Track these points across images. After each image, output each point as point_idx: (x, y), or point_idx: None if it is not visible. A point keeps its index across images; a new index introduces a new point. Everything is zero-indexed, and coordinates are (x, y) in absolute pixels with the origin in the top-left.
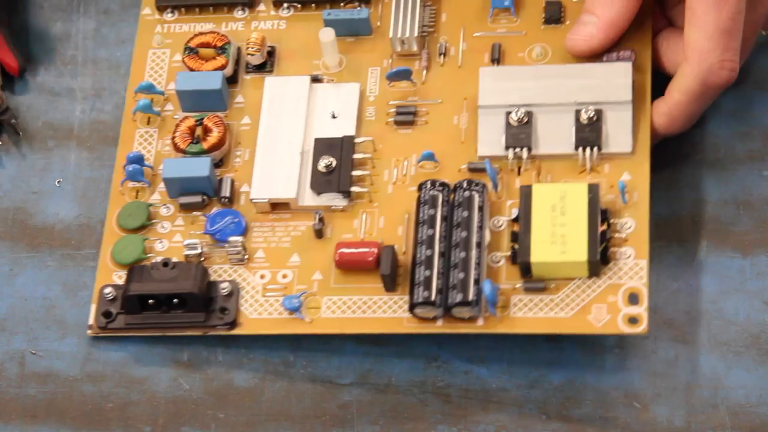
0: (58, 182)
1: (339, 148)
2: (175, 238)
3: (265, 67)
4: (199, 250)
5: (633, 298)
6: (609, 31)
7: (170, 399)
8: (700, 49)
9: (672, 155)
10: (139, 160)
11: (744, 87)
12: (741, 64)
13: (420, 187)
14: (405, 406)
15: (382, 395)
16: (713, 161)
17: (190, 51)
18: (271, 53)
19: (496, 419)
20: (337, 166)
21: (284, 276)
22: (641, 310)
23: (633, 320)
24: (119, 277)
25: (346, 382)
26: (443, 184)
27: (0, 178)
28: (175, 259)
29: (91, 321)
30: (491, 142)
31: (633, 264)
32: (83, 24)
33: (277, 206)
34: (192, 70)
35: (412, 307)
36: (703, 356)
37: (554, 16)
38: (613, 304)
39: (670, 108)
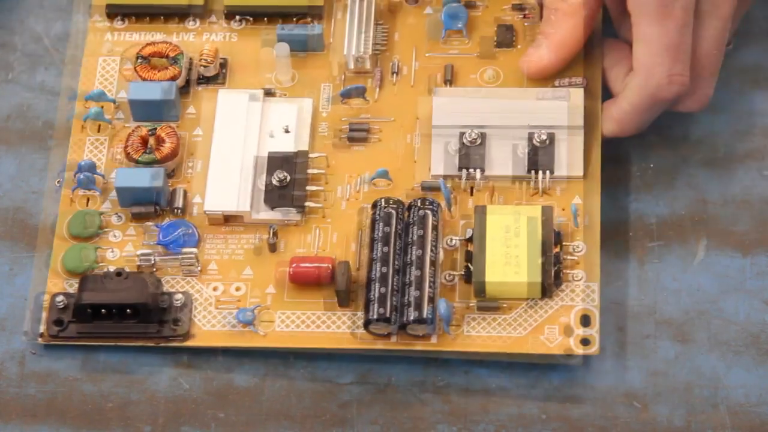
0: (57, 182)
1: (293, 162)
2: (126, 247)
3: (217, 78)
4: (152, 261)
5: (585, 320)
6: (559, 52)
7: (170, 399)
8: (647, 65)
9: (672, 155)
10: (91, 168)
11: (744, 87)
12: (713, 82)
13: (374, 205)
14: (405, 405)
15: (382, 395)
16: (713, 161)
17: (143, 60)
18: (223, 65)
19: (496, 419)
20: (290, 180)
21: (237, 289)
22: (593, 332)
23: (585, 341)
24: (70, 285)
25: (346, 382)
26: (397, 202)
27: (0, 178)
28: (127, 269)
29: (41, 329)
30: (444, 161)
31: (585, 287)
32: (83, 24)
33: (230, 218)
34: (144, 79)
35: (367, 323)
36: (703, 356)
37: (506, 39)
38: (565, 325)
39: (620, 116)
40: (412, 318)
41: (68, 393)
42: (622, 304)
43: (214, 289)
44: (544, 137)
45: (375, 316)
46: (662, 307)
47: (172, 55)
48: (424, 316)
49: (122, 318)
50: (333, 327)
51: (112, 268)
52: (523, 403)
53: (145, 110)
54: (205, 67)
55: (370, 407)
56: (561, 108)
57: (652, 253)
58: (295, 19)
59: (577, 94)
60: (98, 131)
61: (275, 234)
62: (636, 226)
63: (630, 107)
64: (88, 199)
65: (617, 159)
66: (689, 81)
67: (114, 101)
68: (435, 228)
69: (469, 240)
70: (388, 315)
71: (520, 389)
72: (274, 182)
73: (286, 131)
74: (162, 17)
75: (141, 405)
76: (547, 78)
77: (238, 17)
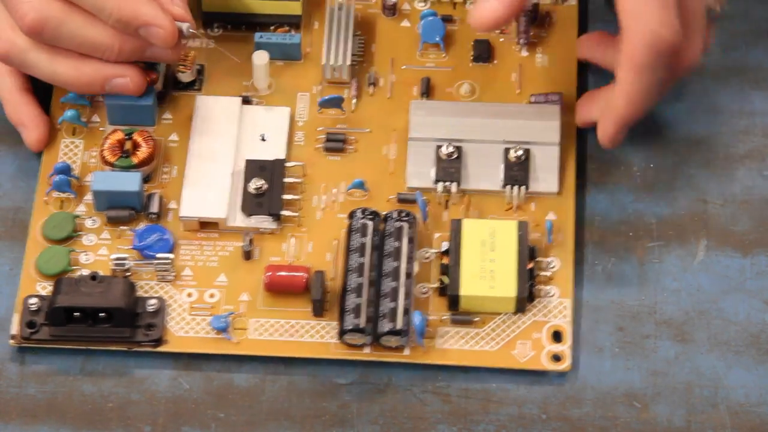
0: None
1: (270, 170)
2: (100, 251)
3: (193, 85)
4: (126, 266)
5: (557, 336)
6: (511, 4)
7: (170, 399)
8: (639, 15)
9: (672, 155)
10: (66, 170)
11: (744, 87)
12: (704, 49)
13: (351, 215)
14: (405, 405)
15: (382, 395)
16: (713, 161)
17: None
18: (200, 71)
19: (496, 419)
20: (267, 188)
21: (211, 295)
22: (564, 348)
23: (556, 357)
24: (43, 288)
25: (346, 382)
26: (373, 213)
27: (0, 178)
28: (102, 273)
29: (14, 331)
30: (420, 174)
31: (557, 302)
32: None
33: (205, 225)
34: None
35: (342, 333)
36: (703, 356)
37: (483, 54)
38: (537, 341)
39: (625, 90)
40: (386, 329)
41: (68, 393)
42: (622, 304)
43: (189, 295)
44: (520, 153)
45: (350, 327)
46: (662, 307)
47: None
48: (399, 327)
49: (96, 322)
50: (306, 336)
51: (86, 272)
52: (523, 403)
53: (121, 114)
54: (182, 72)
55: (370, 407)
56: (537, 125)
57: (652, 253)
58: (272, 27)
59: (554, 111)
60: (73, 134)
61: (251, 241)
62: (636, 226)
63: (628, 70)
64: (62, 202)
65: (617, 159)
66: (681, 31)
67: (89, 104)
68: (411, 240)
69: (445, 253)
70: (362, 326)
71: (520, 389)
72: (251, 190)
73: (263, 139)
74: None
75: (141, 405)
76: (494, 31)
77: (215, 24)
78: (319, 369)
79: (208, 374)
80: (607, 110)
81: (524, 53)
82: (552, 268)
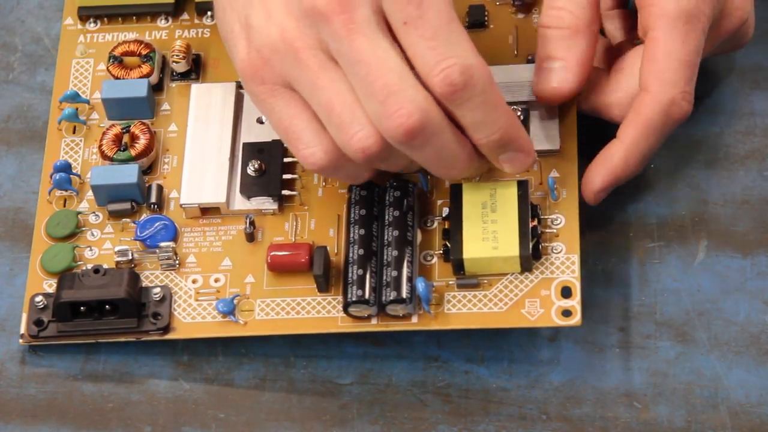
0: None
1: (268, 152)
2: (105, 245)
3: (190, 74)
4: (129, 257)
5: (566, 292)
6: (581, 72)
7: (170, 399)
8: (664, 80)
9: (672, 155)
10: (66, 168)
11: (744, 87)
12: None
13: (350, 188)
14: (405, 406)
15: (382, 395)
16: (713, 161)
17: (115, 59)
18: (196, 61)
19: (496, 419)
20: (266, 169)
21: (216, 280)
22: (574, 302)
23: (566, 313)
24: (49, 286)
25: (346, 382)
26: (372, 185)
27: (0, 178)
28: (105, 266)
29: (22, 330)
30: None
31: (564, 258)
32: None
33: (207, 211)
34: (117, 78)
35: (346, 306)
36: (703, 356)
37: (478, 20)
38: (546, 298)
39: (627, 147)
40: (390, 298)
41: (68, 393)
42: (623, 304)
43: (194, 281)
44: (519, 113)
45: (354, 299)
46: (663, 308)
47: (144, 53)
48: (403, 295)
49: (102, 314)
50: (313, 312)
51: (90, 266)
52: (523, 403)
53: (119, 109)
54: (177, 63)
55: (370, 408)
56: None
57: (653, 253)
58: None
59: None
60: (73, 132)
61: (252, 223)
62: (636, 227)
63: (637, 130)
64: (65, 200)
65: None
66: (692, 105)
67: (88, 102)
68: (411, 208)
69: (447, 219)
70: (366, 297)
71: (520, 389)
72: (250, 172)
73: (260, 122)
74: (134, 17)
75: (141, 405)
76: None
77: (209, 12)
78: (320, 369)
79: (208, 374)
80: (600, 163)
81: (520, 16)
82: (557, 224)
